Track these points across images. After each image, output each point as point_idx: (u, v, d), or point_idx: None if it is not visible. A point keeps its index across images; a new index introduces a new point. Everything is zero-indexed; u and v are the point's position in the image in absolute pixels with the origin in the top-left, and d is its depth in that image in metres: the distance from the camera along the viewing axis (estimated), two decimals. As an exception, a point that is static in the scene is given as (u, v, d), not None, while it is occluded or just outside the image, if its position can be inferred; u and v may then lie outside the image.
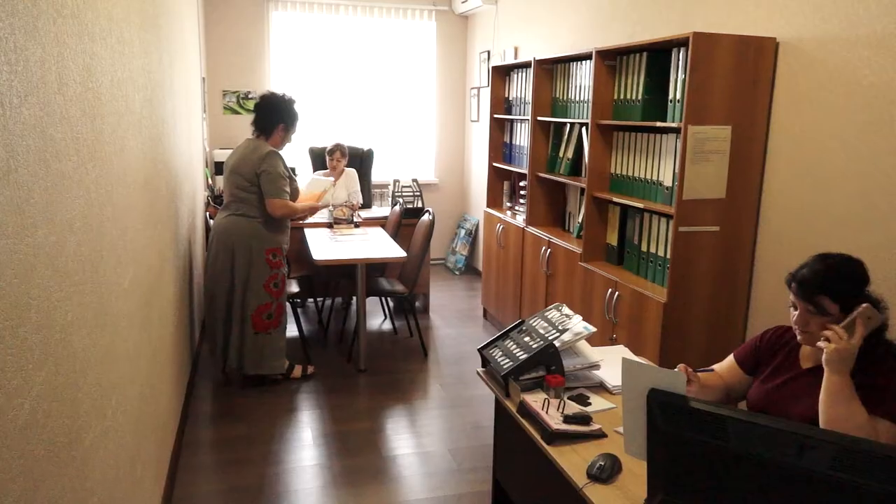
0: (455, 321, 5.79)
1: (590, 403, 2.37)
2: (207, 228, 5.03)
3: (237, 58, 6.81)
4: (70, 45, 1.68)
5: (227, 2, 6.68)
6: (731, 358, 2.31)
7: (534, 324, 2.62)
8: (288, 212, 4.18)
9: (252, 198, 4.11)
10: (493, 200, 5.69)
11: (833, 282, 1.93)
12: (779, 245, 3.10)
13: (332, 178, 5.50)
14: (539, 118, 4.73)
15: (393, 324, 5.66)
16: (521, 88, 5.17)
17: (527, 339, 2.53)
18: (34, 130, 1.39)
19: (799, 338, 2.03)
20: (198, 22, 5.82)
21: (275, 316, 4.25)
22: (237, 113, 6.88)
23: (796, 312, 2.00)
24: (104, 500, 1.90)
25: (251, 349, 4.21)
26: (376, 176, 6.75)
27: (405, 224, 5.65)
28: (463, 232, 7.56)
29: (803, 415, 1.97)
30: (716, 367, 2.34)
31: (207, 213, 5.21)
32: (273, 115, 4.16)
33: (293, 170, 4.33)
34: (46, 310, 1.45)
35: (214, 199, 5.93)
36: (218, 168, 6.29)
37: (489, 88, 5.68)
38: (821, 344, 1.88)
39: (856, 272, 1.96)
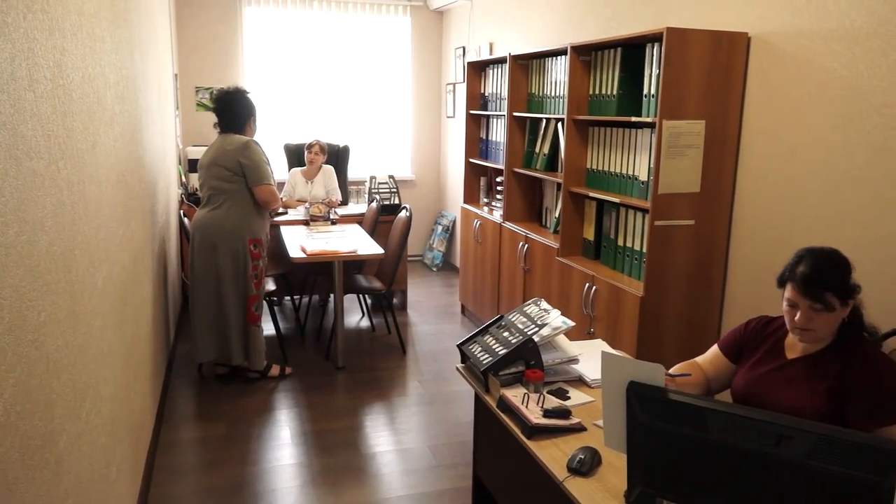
0: (433, 317, 5.79)
1: (569, 397, 2.38)
2: (182, 226, 4.97)
3: (210, 53, 6.74)
4: (40, 40, 1.65)
5: (199, -3, 6.60)
6: (714, 348, 2.33)
7: (513, 319, 2.62)
8: (275, 198, 4.21)
9: (234, 188, 4.10)
10: (470, 196, 5.69)
11: (835, 276, 1.96)
12: (752, 238, 3.14)
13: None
14: (515, 114, 4.74)
15: (371, 321, 5.64)
16: (497, 84, 5.17)
17: (506, 334, 2.54)
18: (4, 128, 1.37)
19: (799, 337, 2.03)
20: (169, 17, 5.75)
21: (259, 309, 4.25)
22: (210, 109, 6.79)
23: (795, 311, 1.99)
24: (79, 502, 1.87)
25: (249, 342, 4.24)
26: (352, 173, 6.72)
27: (382, 221, 5.63)
28: (440, 228, 7.55)
29: (792, 405, 1.99)
30: (698, 359, 2.36)
31: (182, 211, 5.16)
32: (241, 112, 4.22)
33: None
34: (18, 310, 1.42)
35: (188, 197, 5.86)
36: (192, 165, 6.21)
37: (465, 84, 5.68)
38: None
39: (846, 262, 1.99)
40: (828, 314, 1.95)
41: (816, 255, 2.00)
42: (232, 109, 4.19)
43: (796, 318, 1.98)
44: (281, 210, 5.37)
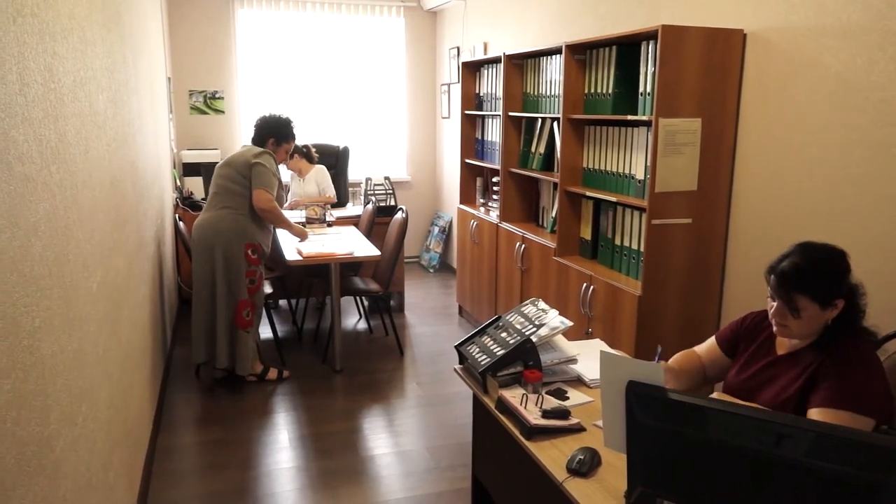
0: (430, 319, 5.77)
1: (568, 398, 2.37)
2: (177, 229, 4.96)
3: (203, 57, 6.72)
4: (31, 44, 1.63)
5: (192, 0, 6.58)
6: (712, 339, 2.32)
7: (510, 319, 2.61)
8: (271, 207, 4.16)
9: (239, 189, 4.14)
10: (466, 197, 5.68)
11: (812, 279, 1.87)
12: (750, 236, 3.13)
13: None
14: (510, 113, 4.73)
15: (368, 323, 5.63)
16: (492, 84, 5.16)
17: (503, 334, 2.53)
18: (-5, 132, 1.35)
19: (775, 330, 2.00)
20: (162, 21, 5.73)
21: (251, 315, 4.22)
22: (204, 113, 6.79)
23: (774, 304, 1.95)
24: (77, 509, 1.85)
25: (235, 346, 4.23)
26: (348, 174, 6.70)
27: (378, 222, 5.62)
28: (436, 229, 7.54)
29: (770, 401, 1.97)
30: (696, 348, 2.36)
31: (177, 215, 5.14)
32: (265, 131, 4.35)
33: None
34: (12, 316, 1.41)
35: (183, 201, 5.85)
36: (186, 169, 6.21)
37: (459, 84, 5.67)
38: None
39: (837, 267, 1.90)
40: (802, 315, 1.88)
41: (805, 254, 1.91)
42: (263, 124, 4.36)
43: (772, 311, 1.96)
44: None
